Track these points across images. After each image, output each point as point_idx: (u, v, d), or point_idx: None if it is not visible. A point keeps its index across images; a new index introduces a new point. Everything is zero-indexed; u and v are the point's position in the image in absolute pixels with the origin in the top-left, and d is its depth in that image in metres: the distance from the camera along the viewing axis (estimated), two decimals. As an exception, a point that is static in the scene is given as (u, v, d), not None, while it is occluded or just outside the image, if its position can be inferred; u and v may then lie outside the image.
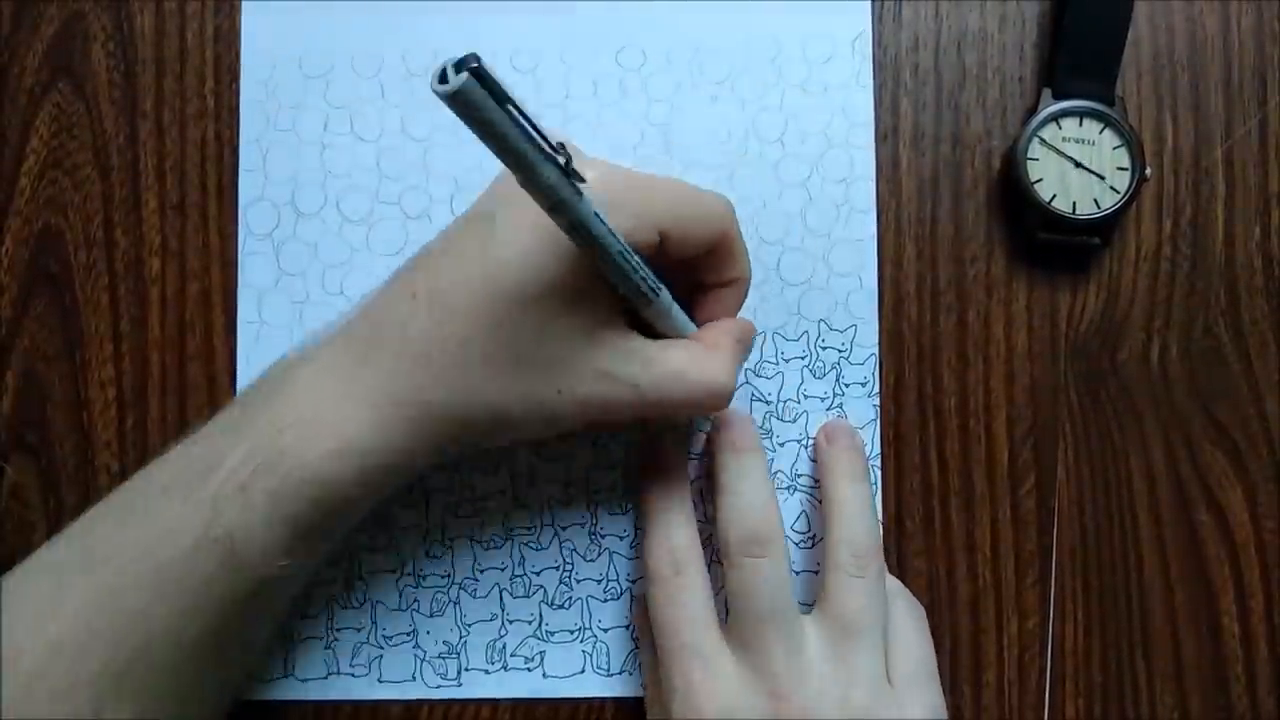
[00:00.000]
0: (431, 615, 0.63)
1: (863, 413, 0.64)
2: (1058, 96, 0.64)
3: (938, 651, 0.62)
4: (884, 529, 0.64)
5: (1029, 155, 0.63)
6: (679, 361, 0.55)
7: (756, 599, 0.56)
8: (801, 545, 0.64)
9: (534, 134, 0.43)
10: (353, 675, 0.63)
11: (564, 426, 0.55)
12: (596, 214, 0.47)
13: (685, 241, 0.54)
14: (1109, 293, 0.65)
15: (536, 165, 0.44)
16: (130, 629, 0.51)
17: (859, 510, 0.60)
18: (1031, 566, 0.64)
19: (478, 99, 0.41)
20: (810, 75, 0.65)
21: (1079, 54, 0.63)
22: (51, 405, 0.64)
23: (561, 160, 0.44)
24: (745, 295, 0.60)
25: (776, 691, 0.55)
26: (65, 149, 0.65)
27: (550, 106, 0.65)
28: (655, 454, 0.63)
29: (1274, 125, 0.66)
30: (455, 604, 0.64)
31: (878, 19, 0.66)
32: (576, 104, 0.65)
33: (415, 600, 0.64)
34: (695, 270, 0.58)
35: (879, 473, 0.64)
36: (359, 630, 0.63)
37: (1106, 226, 0.63)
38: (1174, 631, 0.64)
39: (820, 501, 0.62)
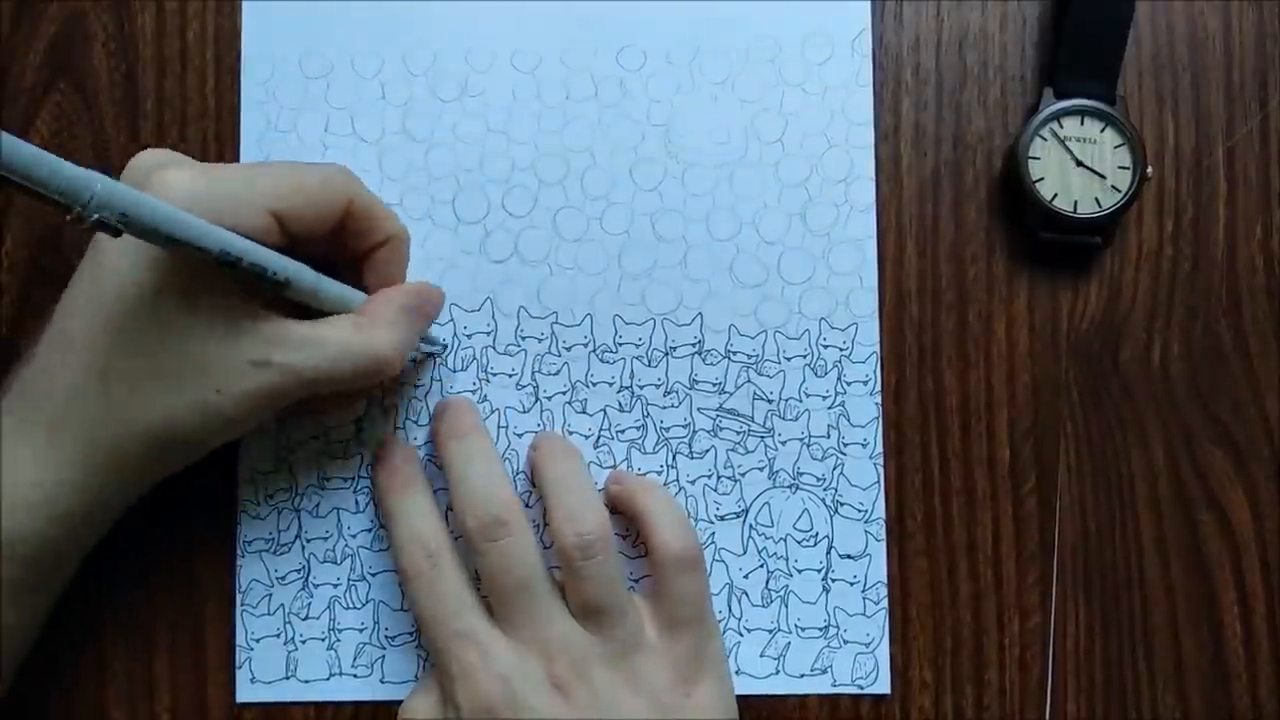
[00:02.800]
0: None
1: (864, 411, 0.64)
2: (1059, 96, 0.64)
3: (938, 652, 0.63)
4: (885, 528, 0.64)
5: (1030, 154, 0.63)
6: (336, 338, 0.55)
7: (508, 576, 0.57)
8: (805, 544, 0.64)
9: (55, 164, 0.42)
10: (355, 676, 0.63)
11: (244, 424, 0.55)
12: (176, 216, 0.47)
13: (305, 218, 0.54)
14: (1110, 292, 0.65)
15: (72, 189, 0.42)
16: None
17: (571, 489, 0.60)
18: (1032, 566, 0.64)
19: None
20: (810, 75, 0.65)
21: (1080, 53, 0.63)
22: (52, 406, 0.64)
23: (98, 180, 0.43)
24: (405, 254, 0.60)
25: (548, 656, 0.56)
26: (65, 149, 0.64)
27: (550, 107, 0.65)
28: (384, 452, 0.63)
29: (1275, 124, 0.66)
30: (457, 604, 0.63)
31: (878, 18, 0.66)
32: (577, 105, 0.65)
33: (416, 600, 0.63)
34: (344, 241, 0.58)
35: (881, 472, 0.64)
36: (361, 630, 0.63)
37: (1108, 226, 0.63)
38: (1175, 631, 0.64)
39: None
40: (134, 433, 0.53)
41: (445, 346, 0.64)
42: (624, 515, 0.63)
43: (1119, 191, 0.63)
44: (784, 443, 0.64)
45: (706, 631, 0.60)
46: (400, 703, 0.62)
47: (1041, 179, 0.63)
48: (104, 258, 0.52)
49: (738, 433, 0.64)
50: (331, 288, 0.57)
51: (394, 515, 0.61)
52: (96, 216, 0.44)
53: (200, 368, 0.52)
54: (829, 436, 0.64)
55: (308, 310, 0.56)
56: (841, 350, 0.64)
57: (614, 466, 0.64)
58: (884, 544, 0.64)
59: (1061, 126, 0.63)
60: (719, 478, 0.64)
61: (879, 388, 0.64)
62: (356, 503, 0.64)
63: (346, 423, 0.64)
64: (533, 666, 0.56)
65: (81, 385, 0.52)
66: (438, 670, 0.58)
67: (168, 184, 0.50)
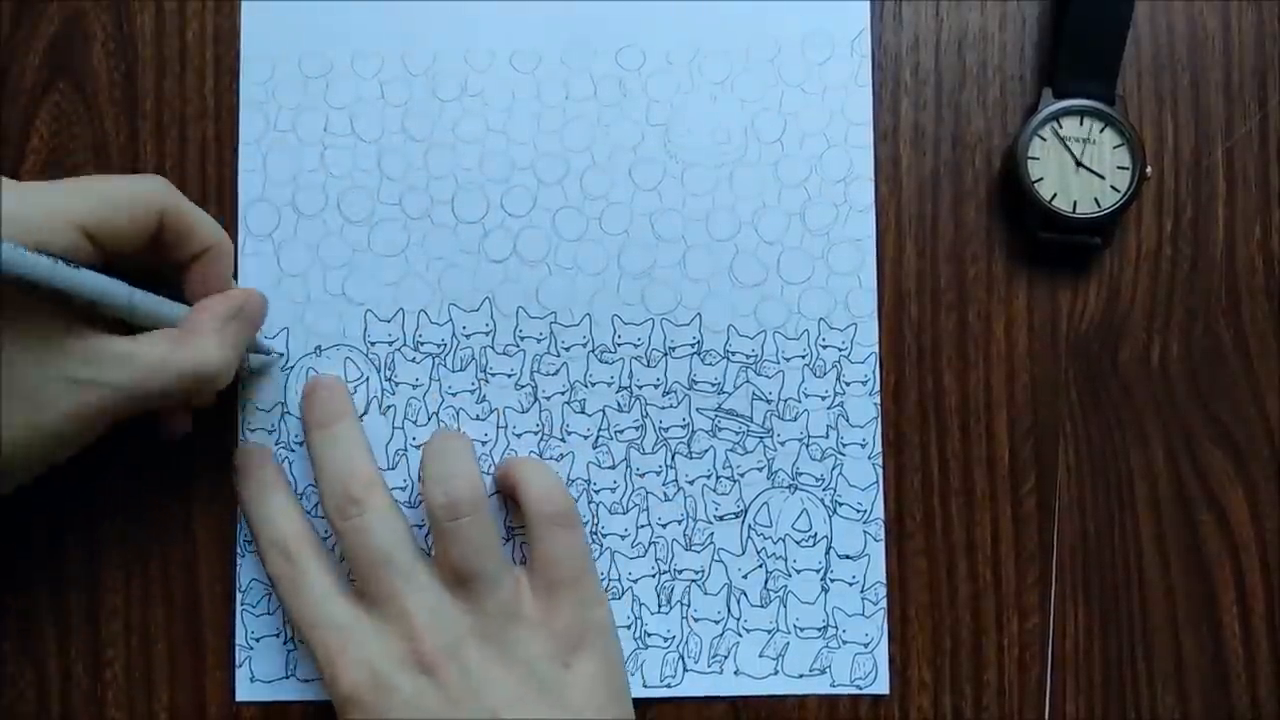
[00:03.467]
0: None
1: (863, 411, 0.64)
2: (1058, 95, 0.64)
3: (937, 652, 0.63)
4: (884, 528, 0.64)
5: (1029, 154, 0.63)
6: (156, 353, 0.54)
7: (366, 550, 0.57)
8: (804, 545, 0.64)
9: None
10: (353, 675, 0.63)
11: (75, 442, 0.55)
12: None
13: (117, 233, 0.54)
14: (1109, 292, 0.65)
15: None
16: None
17: (443, 453, 0.60)
18: (1032, 566, 0.64)
19: None
20: (809, 75, 0.65)
21: (1079, 53, 0.63)
22: (52, 405, 0.64)
23: None
24: (227, 263, 0.60)
25: (411, 634, 0.56)
26: (65, 149, 0.64)
27: (550, 107, 0.65)
28: (241, 460, 0.63)
29: (1274, 124, 0.66)
30: (455, 604, 0.63)
31: (878, 19, 0.66)
32: (576, 104, 0.65)
33: (416, 600, 0.63)
34: (164, 253, 0.58)
35: (879, 472, 0.64)
36: (360, 630, 0.63)
37: (1107, 226, 0.63)
38: (1174, 631, 0.64)
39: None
40: None
41: (281, 355, 0.64)
42: (505, 490, 0.63)
43: (1118, 191, 0.63)
44: (783, 443, 0.64)
45: (588, 596, 0.60)
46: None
47: (1041, 179, 0.63)
48: None
49: (736, 433, 0.64)
50: (147, 303, 0.56)
51: (254, 521, 0.61)
52: None
53: (21, 390, 0.51)
54: (828, 437, 0.64)
55: (133, 325, 0.56)
56: (840, 350, 0.64)
57: (613, 467, 0.64)
58: (883, 544, 0.64)
59: (1061, 126, 0.63)
60: (718, 478, 0.64)
61: (878, 388, 0.64)
62: (356, 502, 0.64)
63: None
64: (397, 647, 0.56)
65: None
66: (317, 666, 0.58)
67: None
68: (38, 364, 0.52)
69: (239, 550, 0.63)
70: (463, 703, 0.55)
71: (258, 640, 0.63)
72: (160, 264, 0.58)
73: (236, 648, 0.63)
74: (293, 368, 0.64)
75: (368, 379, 0.64)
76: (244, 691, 0.63)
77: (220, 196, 0.64)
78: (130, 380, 0.53)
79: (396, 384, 0.64)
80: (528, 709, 0.56)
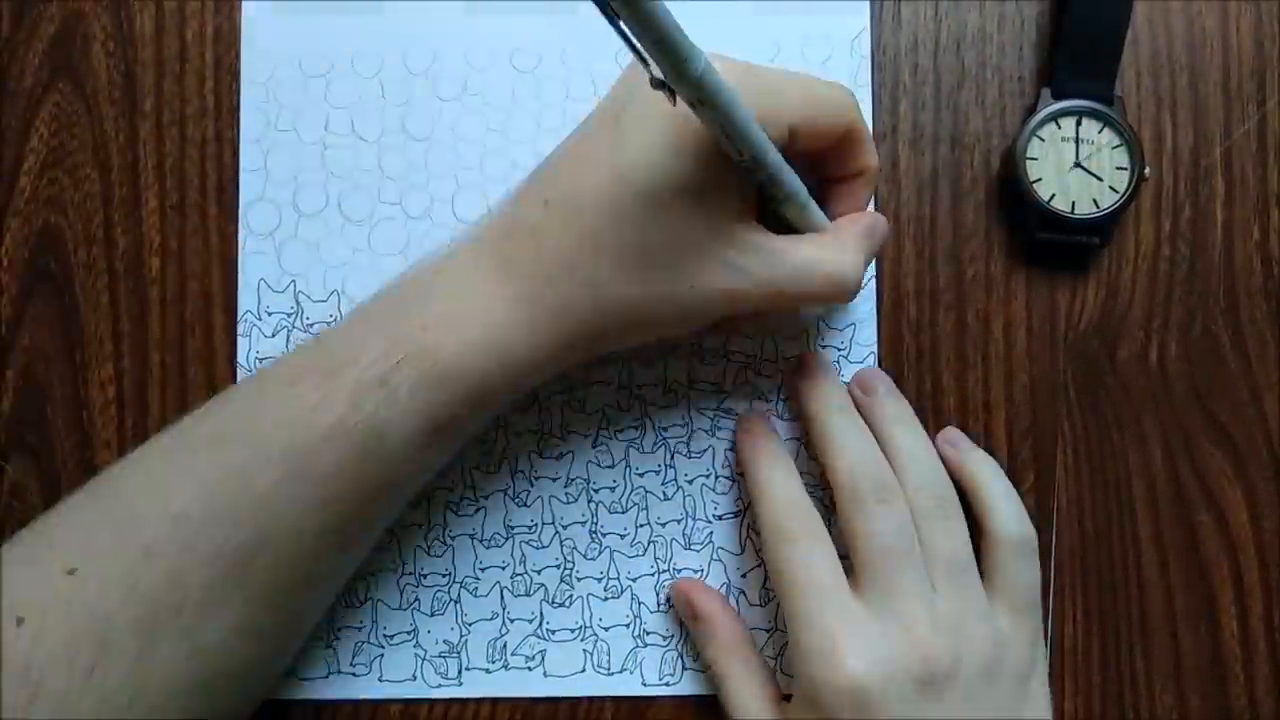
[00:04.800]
0: (432, 614, 0.64)
1: (863, 412, 0.64)
2: (1057, 96, 0.64)
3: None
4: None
5: (1028, 155, 0.63)
6: (808, 256, 0.55)
7: (893, 539, 0.57)
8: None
9: (677, 23, 0.42)
10: (353, 674, 0.63)
11: (696, 322, 0.56)
12: (746, 116, 0.47)
13: (815, 135, 0.55)
14: (1108, 292, 0.65)
15: (690, 56, 0.43)
16: (254, 511, 0.51)
17: (923, 453, 0.60)
18: (1031, 566, 0.64)
19: None
20: (810, 75, 0.65)
21: (1078, 54, 0.63)
22: (51, 405, 0.64)
23: (704, 56, 0.43)
24: (874, 186, 0.60)
25: (919, 641, 0.55)
26: (65, 148, 0.65)
27: (550, 106, 0.65)
28: (748, 422, 0.63)
29: (1273, 125, 0.66)
30: (456, 603, 0.64)
31: (877, 19, 0.66)
32: (576, 104, 0.65)
33: (416, 599, 0.64)
34: (824, 162, 0.58)
35: (879, 472, 0.64)
36: (360, 629, 0.63)
37: (1106, 226, 0.63)
38: (1173, 630, 0.64)
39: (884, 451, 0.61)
40: (605, 307, 0.53)
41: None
42: (958, 483, 0.62)
43: (1117, 192, 0.63)
44: (782, 442, 0.64)
45: (1039, 621, 0.60)
46: (399, 702, 0.62)
47: (1039, 179, 0.63)
48: (630, 132, 0.52)
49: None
50: (814, 209, 0.57)
51: (764, 481, 0.61)
52: (678, 87, 0.44)
53: (683, 259, 0.53)
54: (827, 436, 0.64)
55: (770, 224, 0.56)
56: (839, 351, 0.64)
57: (612, 466, 0.64)
58: (882, 543, 0.64)
59: (1059, 127, 0.63)
60: (717, 477, 0.64)
61: (878, 388, 0.64)
62: (355, 501, 0.64)
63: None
64: (907, 653, 0.55)
65: (574, 249, 0.53)
66: (794, 639, 0.57)
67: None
68: (707, 240, 0.53)
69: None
70: (956, 716, 0.55)
71: (259, 638, 0.63)
72: (813, 175, 0.58)
73: (237, 646, 0.63)
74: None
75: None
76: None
77: (220, 196, 0.64)
78: (780, 275, 0.54)
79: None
80: None
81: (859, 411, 0.62)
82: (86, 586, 0.50)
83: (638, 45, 0.42)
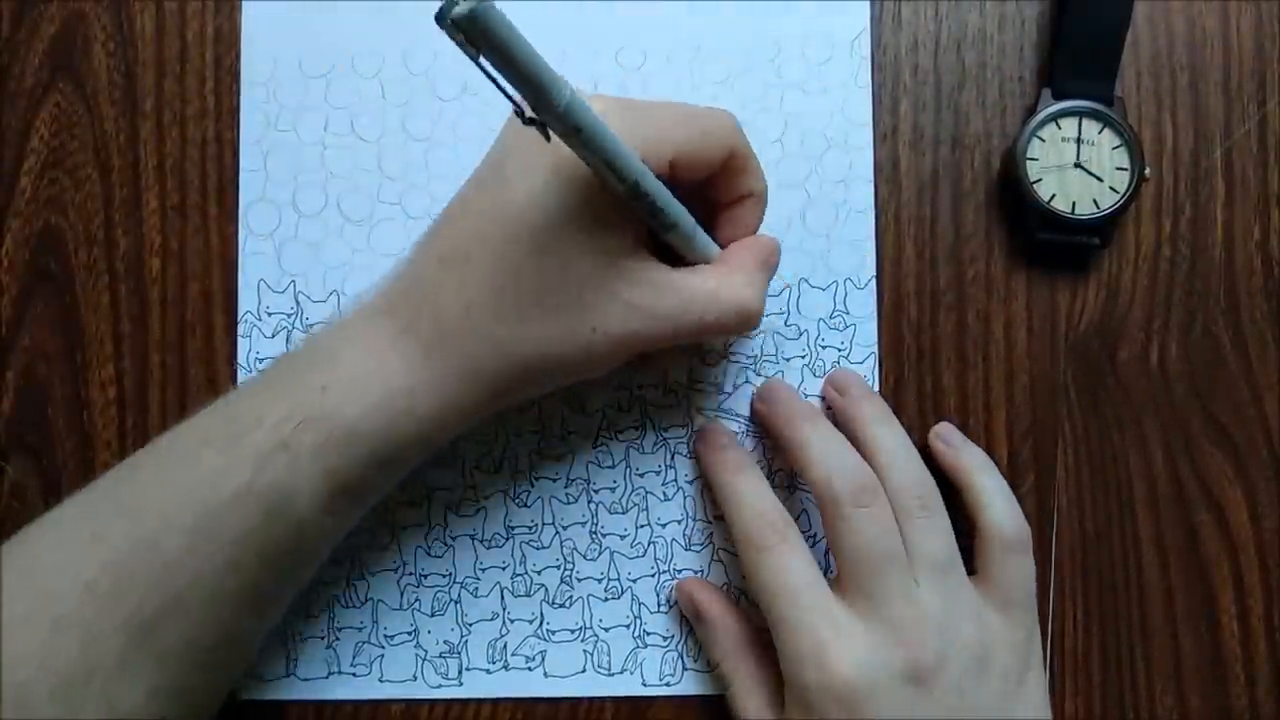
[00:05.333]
0: (433, 614, 0.64)
1: (863, 412, 0.64)
2: (1057, 96, 0.64)
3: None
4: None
5: (1028, 155, 0.63)
6: (706, 287, 0.55)
7: (876, 545, 0.56)
8: (804, 545, 0.64)
9: (539, 57, 0.42)
10: (354, 674, 0.63)
11: (604, 364, 0.55)
12: (619, 144, 0.47)
13: (695, 163, 0.54)
14: (1108, 292, 0.65)
15: (553, 87, 0.43)
16: (165, 577, 0.51)
17: (903, 451, 0.60)
18: (1031, 566, 0.64)
19: (495, 19, 0.39)
20: (809, 76, 0.65)
21: (1078, 54, 0.63)
22: (51, 405, 0.64)
23: (568, 86, 0.43)
24: (763, 209, 0.59)
25: (906, 641, 0.55)
26: (65, 149, 0.65)
27: (550, 106, 0.65)
28: (709, 434, 0.63)
29: (1273, 125, 0.66)
30: (456, 603, 0.64)
31: (877, 19, 0.66)
32: (577, 104, 0.65)
33: (416, 599, 0.64)
34: (709, 190, 0.58)
35: (879, 472, 0.64)
36: (360, 629, 0.64)
37: (1106, 226, 0.63)
38: (1173, 631, 0.64)
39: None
40: (510, 358, 0.53)
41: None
42: (951, 481, 0.62)
43: (1117, 192, 0.63)
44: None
45: (1034, 618, 0.60)
46: (399, 702, 0.62)
47: (1040, 180, 0.63)
48: (514, 176, 0.52)
49: (736, 433, 0.64)
50: (702, 237, 0.56)
51: (734, 493, 0.60)
52: (546, 119, 0.44)
53: (585, 304, 0.53)
54: (828, 437, 0.64)
55: (662, 256, 0.56)
56: (840, 351, 0.64)
57: (612, 467, 0.64)
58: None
59: (1060, 127, 0.63)
60: (718, 477, 0.64)
61: (877, 388, 0.64)
62: (356, 502, 0.64)
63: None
64: (893, 653, 0.55)
65: (473, 305, 0.52)
66: (781, 646, 0.57)
67: None
68: (605, 281, 0.53)
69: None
70: (949, 714, 0.55)
71: (258, 639, 0.63)
72: (698, 202, 0.57)
73: (237, 647, 0.63)
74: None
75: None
76: (243, 690, 0.63)
77: (221, 196, 0.65)
78: (684, 310, 0.54)
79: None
80: None
81: (835, 412, 0.63)
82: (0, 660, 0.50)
83: (500, 82, 0.42)
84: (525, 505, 0.64)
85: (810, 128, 0.65)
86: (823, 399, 0.64)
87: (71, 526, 0.54)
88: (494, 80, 0.42)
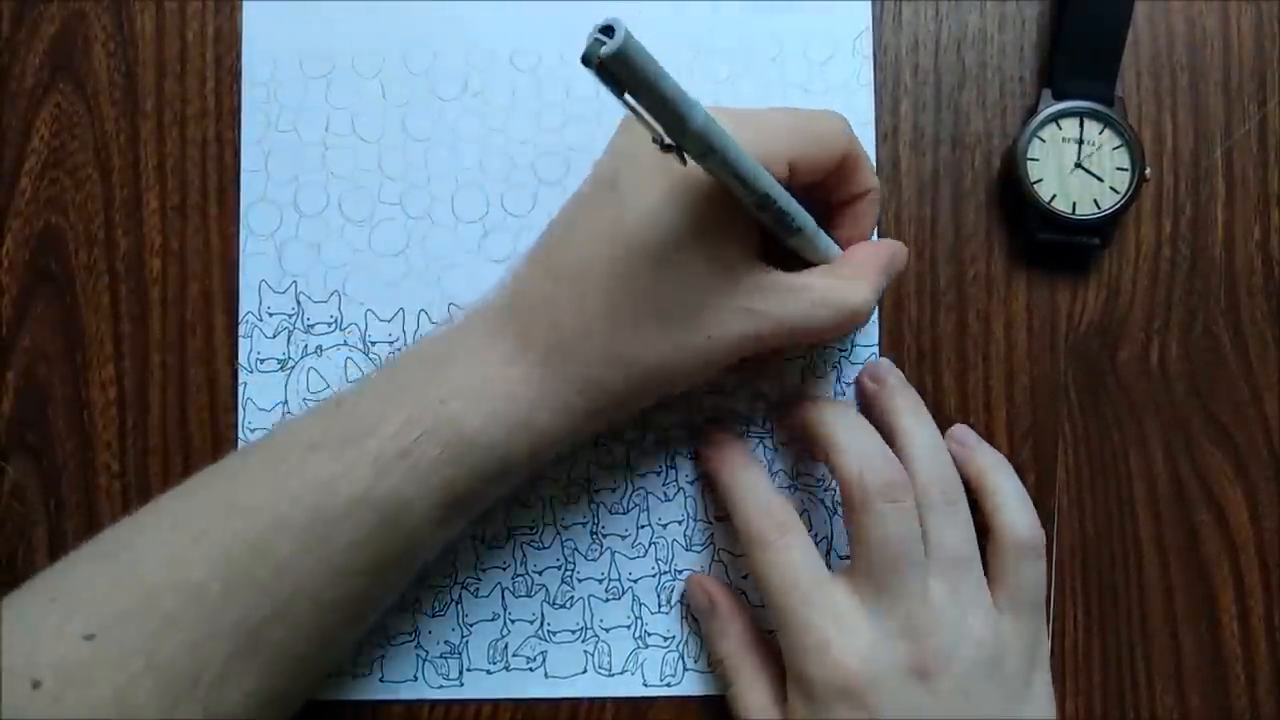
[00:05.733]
0: (433, 615, 0.64)
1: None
2: (1057, 97, 0.64)
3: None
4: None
5: (1029, 155, 0.63)
6: (821, 289, 0.55)
7: (898, 543, 0.56)
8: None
9: (677, 84, 0.43)
10: (354, 675, 0.63)
11: (718, 369, 0.56)
12: (748, 158, 0.47)
13: (813, 167, 0.55)
14: (1109, 293, 0.65)
15: (690, 112, 0.43)
16: (274, 582, 0.51)
17: (933, 446, 0.60)
18: (1031, 566, 0.64)
19: (639, 56, 0.40)
20: (811, 75, 0.65)
21: (1079, 54, 0.63)
22: (51, 405, 0.64)
23: (703, 106, 0.44)
24: (879, 206, 0.61)
25: (913, 635, 0.55)
26: (66, 149, 0.65)
27: (550, 106, 0.65)
28: (714, 436, 0.63)
29: (1273, 125, 0.66)
30: (457, 603, 0.64)
31: (878, 19, 0.66)
32: (577, 104, 0.65)
33: (417, 599, 0.64)
34: (824, 191, 0.59)
35: (879, 472, 0.64)
36: (360, 630, 0.63)
37: (1106, 226, 0.63)
38: (1174, 631, 0.64)
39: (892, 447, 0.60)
40: (628, 370, 0.54)
41: None
42: (967, 482, 0.62)
43: (1117, 193, 0.63)
44: (784, 443, 0.64)
45: (1042, 622, 0.60)
46: (400, 703, 0.62)
47: (1040, 180, 0.63)
48: (630, 196, 0.53)
49: (737, 433, 0.64)
50: (823, 238, 0.57)
51: (737, 488, 0.61)
52: (682, 144, 0.45)
53: (698, 311, 0.53)
54: (829, 437, 0.64)
55: (777, 258, 0.56)
56: (841, 351, 0.64)
57: (613, 467, 0.64)
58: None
59: (1060, 128, 0.63)
60: (719, 478, 0.64)
61: (878, 388, 0.64)
62: (357, 502, 0.64)
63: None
64: (899, 647, 0.55)
65: (590, 321, 0.53)
66: (785, 639, 0.57)
67: None
68: (720, 289, 0.53)
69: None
70: (951, 712, 0.55)
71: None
72: (814, 202, 0.58)
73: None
74: (294, 367, 0.64)
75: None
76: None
77: (221, 196, 0.65)
78: (795, 313, 0.55)
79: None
80: None
81: (869, 402, 0.63)
82: (106, 653, 0.50)
83: (643, 113, 0.43)
84: (526, 505, 0.64)
85: (812, 128, 0.65)
86: (858, 386, 0.64)
87: (175, 525, 0.53)
88: (635, 111, 0.43)
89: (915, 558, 0.56)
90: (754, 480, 0.61)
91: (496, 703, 0.64)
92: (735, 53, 0.65)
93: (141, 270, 0.64)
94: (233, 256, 0.64)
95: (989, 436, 0.64)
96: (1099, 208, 0.63)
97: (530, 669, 0.64)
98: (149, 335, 0.64)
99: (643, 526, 0.64)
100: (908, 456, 0.59)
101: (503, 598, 0.64)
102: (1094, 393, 0.65)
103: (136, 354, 0.64)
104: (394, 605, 0.63)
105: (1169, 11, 0.66)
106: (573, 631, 0.64)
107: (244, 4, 0.65)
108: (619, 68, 0.40)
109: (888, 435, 0.60)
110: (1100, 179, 0.63)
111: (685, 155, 0.45)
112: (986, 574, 0.59)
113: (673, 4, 0.65)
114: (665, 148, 0.45)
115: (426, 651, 0.63)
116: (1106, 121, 0.63)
